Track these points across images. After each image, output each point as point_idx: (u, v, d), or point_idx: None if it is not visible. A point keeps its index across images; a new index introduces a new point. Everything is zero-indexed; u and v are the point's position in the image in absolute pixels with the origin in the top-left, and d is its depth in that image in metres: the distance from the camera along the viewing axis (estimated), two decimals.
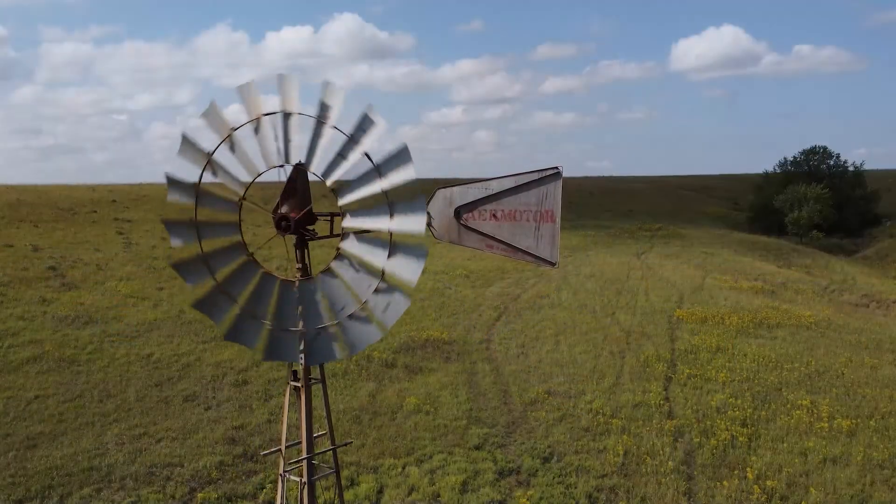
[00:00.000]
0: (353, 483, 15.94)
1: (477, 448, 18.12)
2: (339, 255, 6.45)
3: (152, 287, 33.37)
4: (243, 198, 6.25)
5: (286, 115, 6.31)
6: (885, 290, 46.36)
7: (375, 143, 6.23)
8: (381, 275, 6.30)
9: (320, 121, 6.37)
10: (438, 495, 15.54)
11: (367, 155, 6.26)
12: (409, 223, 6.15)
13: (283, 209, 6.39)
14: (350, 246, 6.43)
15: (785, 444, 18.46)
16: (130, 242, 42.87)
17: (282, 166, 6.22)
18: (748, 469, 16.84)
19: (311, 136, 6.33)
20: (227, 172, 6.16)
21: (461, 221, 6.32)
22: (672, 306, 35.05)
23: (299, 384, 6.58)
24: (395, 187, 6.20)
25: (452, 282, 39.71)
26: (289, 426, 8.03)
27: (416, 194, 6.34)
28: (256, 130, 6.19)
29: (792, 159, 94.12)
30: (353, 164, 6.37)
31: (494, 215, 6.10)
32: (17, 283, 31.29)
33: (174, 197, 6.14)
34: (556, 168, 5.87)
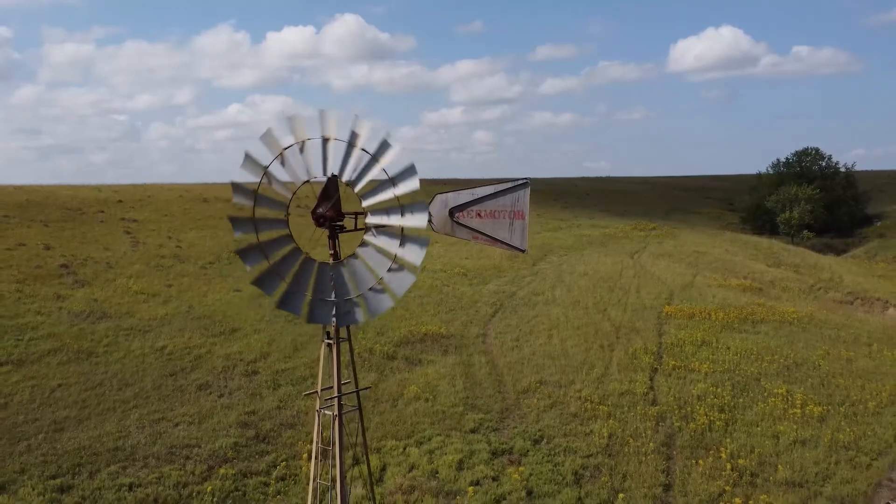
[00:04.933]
0: (357, 461, 17.28)
1: (472, 431, 19.50)
2: (363, 244, 8.42)
3: (161, 284, 34.64)
4: (290, 200, 7.79)
5: (325, 140, 8.12)
6: (870, 288, 47.74)
7: (391, 160, 8.13)
8: (394, 258, 8.27)
9: (351, 144, 8.37)
10: (437, 472, 16.90)
11: (385, 171, 8.42)
12: (415, 220, 8.22)
13: (321, 209, 8.28)
14: (371, 237, 8.49)
15: (759, 428, 19.86)
16: (138, 241, 44.11)
17: (319, 178, 8.05)
18: (722, 449, 18.24)
19: (343, 155, 8.31)
20: (278, 181, 7.75)
21: (454, 219, 8.19)
22: (662, 303, 36.42)
23: (332, 341, 8.14)
24: (405, 194, 8.27)
25: (450, 280, 40.95)
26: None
27: (420, 200, 8.30)
28: (301, 150, 7.86)
29: (785, 160, 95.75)
30: (374, 176, 8.43)
31: (479, 214, 8.01)
32: (32, 281, 32.54)
33: (239, 199, 7.69)
34: (526, 179, 7.59)
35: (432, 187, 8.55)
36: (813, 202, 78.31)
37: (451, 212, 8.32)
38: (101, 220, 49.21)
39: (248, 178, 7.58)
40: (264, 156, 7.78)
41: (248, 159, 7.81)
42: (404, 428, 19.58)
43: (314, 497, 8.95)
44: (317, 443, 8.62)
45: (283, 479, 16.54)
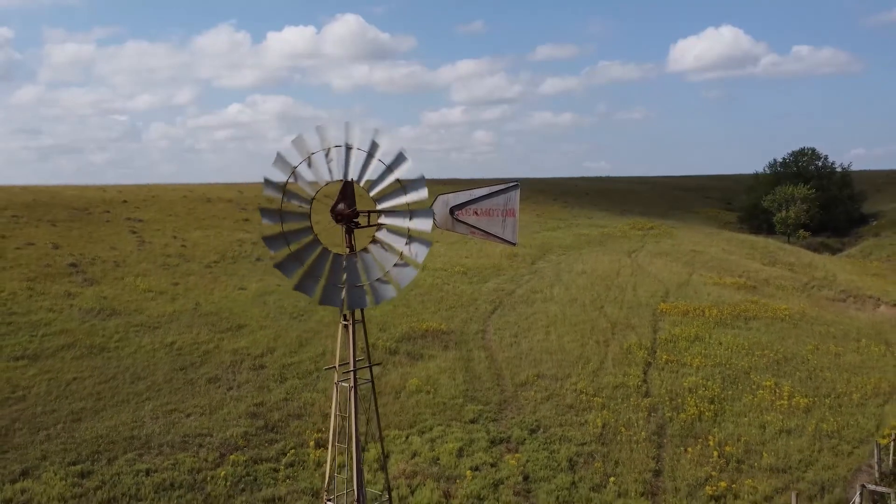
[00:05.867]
0: (363, 449, 18.12)
1: (472, 422, 20.35)
2: (381, 227, 9.75)
3: (168, 283, 35.45)
4: (312, 202, 8.81)
5: (348, 148, 9.44)
6: (863, 286, 48.53)
7: (385, 152, 9.58)
8: (408, 232, 9.51)
9: (370, 154, 9.61)
10: (438, 459, 17.75)
11: (398, 180, 9.56)
12: (417, 196, 9.51)
13: (339, 208, 9.43)
14: (386, 219, 9.74)
15: (746, 419, 20.70)
16: (144, 241, 44.91)
17: (340, 180, 9.42)
18: (710, 438, 19.08)
19: (363, 162, 9.57)
20: (296, 196, 8.91)
21: (454, 216, 9.38)
22: (657, 300, 37.20)
23: (348, 323, 9.11)
24: (414, 201, 9.55)
25: (451, 278, 41.72)
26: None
27: (419, 182, 9.50)
28: (327, 155, 8.96)
29: (781, 160, 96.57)
30: (373, 169, 9.63)
31: (476, 212, 9.18)
32: (43, 279, 33.37)
33: (267, 221, 9.12)
34: (516, 182, 8.69)
35: (433, 187, 9.66)
36: (809, 202, 79.12)
37: (452, 210, 9.52)
38: (107, 220, 50.00)
39: (269, 188, 8.62)
40: (277, 173, 9.14)
41: (269, 184, 9.10)
42: (406, 418, 20.43)
43: (332, 458, 10.00)
44: (335, 411, 9.68)
45: (291, 465, 17.40)
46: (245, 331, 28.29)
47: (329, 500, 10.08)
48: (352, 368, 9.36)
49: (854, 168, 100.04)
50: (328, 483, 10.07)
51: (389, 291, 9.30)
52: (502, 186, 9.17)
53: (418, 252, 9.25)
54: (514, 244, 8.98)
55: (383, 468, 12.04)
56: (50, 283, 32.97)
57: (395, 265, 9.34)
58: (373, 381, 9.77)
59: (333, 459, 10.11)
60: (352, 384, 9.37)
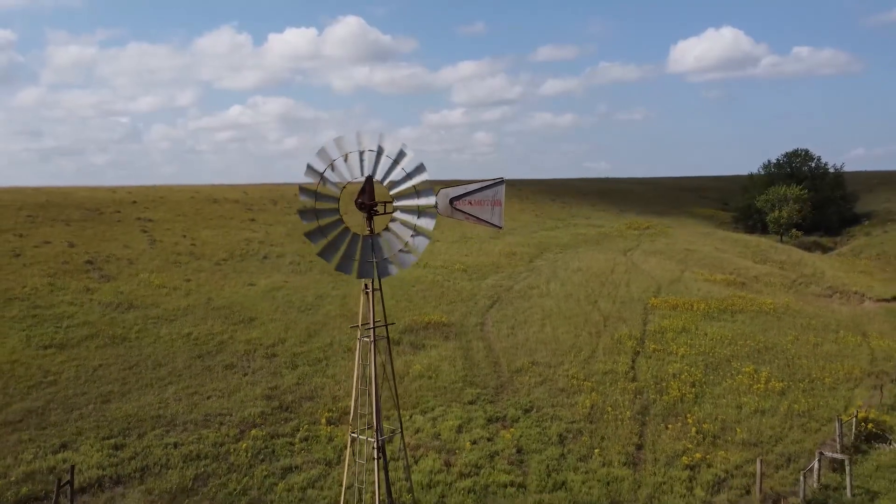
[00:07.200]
0: (370, 426, 19.75)
1: (471, 403, 21.99)
2: (393, 219, 11.85)
3: (180, 279, 37.11)
4: (339, 194, 10.69)
5: (361, 153, 11.15)
6: (849, 283, 50.17)
7: (407, 162, 11.53)
8: (414, 228, 11.54)
9: (379, 153, 11.57)
10: (439, 434, 19.40)
11: (403, 169, 11.58)
12: (426, 201, 11.51)
13: (361, 199, 11.47)
14: (398, 214, 11.83)
15: (724, 400, 22.34)
16: (155, 240, 46.57)
17: (363, 178, 11.45)
18: (689, 417, 20.72)
19: (374, 161, 11.46)
20: (317, 212, 11.21)
21: (453, 206, 11.24)
22: (649, 296, 38.86)
23: (369, 291, 10.92)
24: (419, 182, 11.54)
25: (451, 276, 43.33)
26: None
27: (429, 187, 11.58)
28: (346, 159, 10.69)
29: (775, 161, 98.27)
30: (396, 173, 11.59)
31: (470, 202, 11.15)
32: (62, 275, 35.03)
33: (311, 241, 11.10)
34: (501, 178, 10.52)
35: (436, 186, 11.80)
36: (801, 202, 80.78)
37: (451, 200, 11.56)
38: (119, 220, 51.65)
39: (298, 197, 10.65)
40: (309, 181, 11.19)
41: (304, 190, 11.20)
42: (410, 400, 22.08)
43: (356, 398, 12.10)
44: (358, 362, 11.52)
45: (306, 439, 19.05)
46: (256, 323, 29.94)
47: (353, 432, 11.87)
48: (371, 326, 11.26)
49: (853, 169, 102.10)
50: (353, 419, 11.88)
51: (409, 259, 11.48)
52: (491, 182, 11.24)
53: (427, 223, 11.38)
54: (500, 227, 10.87)
55: (395, 405, 13.90)
56: (69, 278, 34.62)
57: (412, 236, 11.41)
58: (388, 340, 11.65)
59: (356, 399, 11.90)
60: (372, 339, 11.27)
